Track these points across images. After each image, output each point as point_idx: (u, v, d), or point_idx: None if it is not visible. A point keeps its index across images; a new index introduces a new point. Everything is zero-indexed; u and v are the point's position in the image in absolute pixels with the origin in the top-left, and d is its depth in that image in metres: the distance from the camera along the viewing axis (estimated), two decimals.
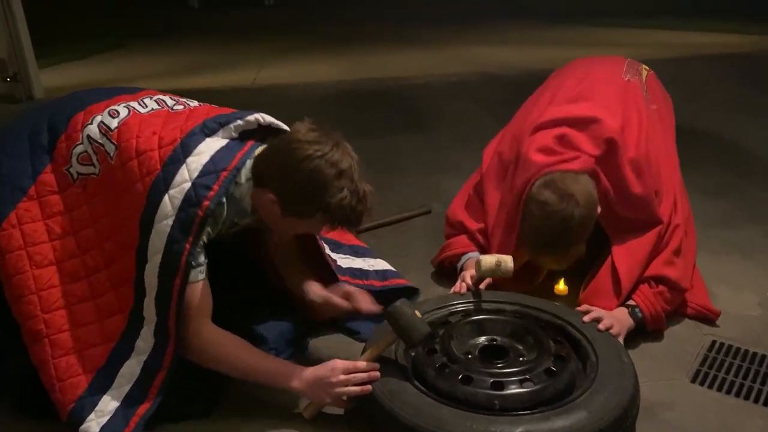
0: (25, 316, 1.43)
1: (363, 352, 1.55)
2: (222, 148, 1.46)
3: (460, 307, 1.78)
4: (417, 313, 1.49)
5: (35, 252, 1.45)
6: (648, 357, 1.76)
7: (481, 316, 1.71)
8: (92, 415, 1.39)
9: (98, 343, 1.44)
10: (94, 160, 1.49)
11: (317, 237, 1.78)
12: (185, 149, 1.43)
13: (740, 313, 1.96)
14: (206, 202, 1.39)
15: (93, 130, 1.49)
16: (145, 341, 1.44)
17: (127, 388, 1.42)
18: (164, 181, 1.40)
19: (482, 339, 1.66)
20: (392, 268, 2.01)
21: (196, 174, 1.40)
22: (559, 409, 1.36)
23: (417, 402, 1.39)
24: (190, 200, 1.39)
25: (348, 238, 2.07)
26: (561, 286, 2.08)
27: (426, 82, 5.13)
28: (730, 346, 1.81)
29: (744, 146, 3.49)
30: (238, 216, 1.51)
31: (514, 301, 1.78)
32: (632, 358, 1.54)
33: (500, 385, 1.42)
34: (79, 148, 1.49)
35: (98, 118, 1.51)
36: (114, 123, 1.49)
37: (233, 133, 1.52)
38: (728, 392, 1.64)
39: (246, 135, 1.54)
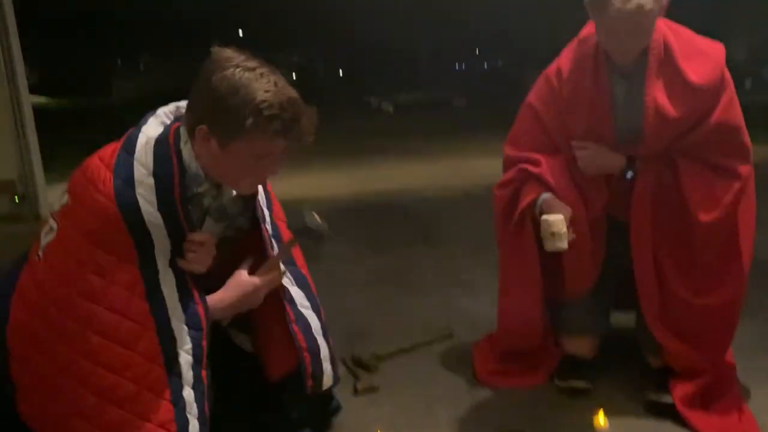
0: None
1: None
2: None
3: None
4: (315, 214, 1.59)
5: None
6: None
7: None
8: None
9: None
10: (52, 224, 1.46)
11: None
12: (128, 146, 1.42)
13: None
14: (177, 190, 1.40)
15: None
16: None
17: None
18: (126, 182, 1.38)
19: None
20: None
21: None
22: None
23: None
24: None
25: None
26: (601, 422, 1.95)
27: (432, 195, 5.18)
28: None
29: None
30: (195, 184, 1.46)
31: None
32: None
33: None
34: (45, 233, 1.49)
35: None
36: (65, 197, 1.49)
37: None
38: None
39: None
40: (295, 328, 1.64)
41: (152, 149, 1.41)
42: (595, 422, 1.95)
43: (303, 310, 1.69)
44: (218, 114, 1.35)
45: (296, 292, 1.70)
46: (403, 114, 19.87)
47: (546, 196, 1.95)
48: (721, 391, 1.98)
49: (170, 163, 1.40)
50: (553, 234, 1.78)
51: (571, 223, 1.85)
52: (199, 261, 1.48)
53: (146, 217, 1.37)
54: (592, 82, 1.91)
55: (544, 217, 1.82)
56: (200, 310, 1.45)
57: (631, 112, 1.90)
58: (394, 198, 5.13)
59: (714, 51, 1.88)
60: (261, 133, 1.35)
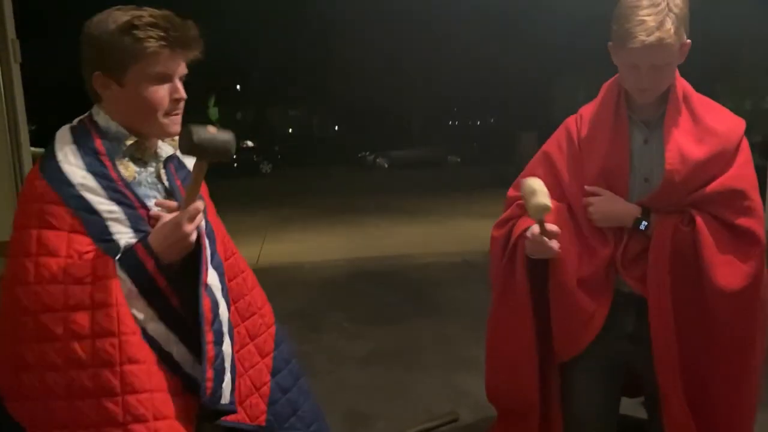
0: None
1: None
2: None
3: None
4: (210, 128, 1.39)
5: None
6: None
7: None
8: None
9: None
10: None
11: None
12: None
13: None
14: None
15: None
16: None
17: None
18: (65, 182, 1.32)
19: None
20: None
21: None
22: None
23: None
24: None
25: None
26: None
27: (431, 261, 5.17)
28: None
29: None
30: (121, 140, 1.42)
31: None
32: None
33: None
34: None
35: None
36: None
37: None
38: None
39: None
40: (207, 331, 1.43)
41: (67, 129, 1.42)
42: None
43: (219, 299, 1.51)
44: (101, 52, 1.36)
45: (212, 278, 1.52)
46: (398, 170, 20.09)
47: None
48: None
49: (85, 128, 1.41)
50: (534, 192, 1.73)
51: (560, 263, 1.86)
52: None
53: (73, 179, 1.34)
54: (612, 123, 1.91)
55: (524, 180, 1.79)
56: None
57: (647, 161, 1.90)
58: (392, 264, 5.11)
59: (734, 116, 1.92)
60: (143, 46, 1.35)
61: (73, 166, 1.35)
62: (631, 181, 1.92)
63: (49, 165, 1.35)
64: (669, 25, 1.74)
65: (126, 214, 1.36)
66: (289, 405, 1.61)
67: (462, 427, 2.53)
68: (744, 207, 1.84)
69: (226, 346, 1.47)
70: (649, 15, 1.74)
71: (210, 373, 1.37)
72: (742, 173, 1.86)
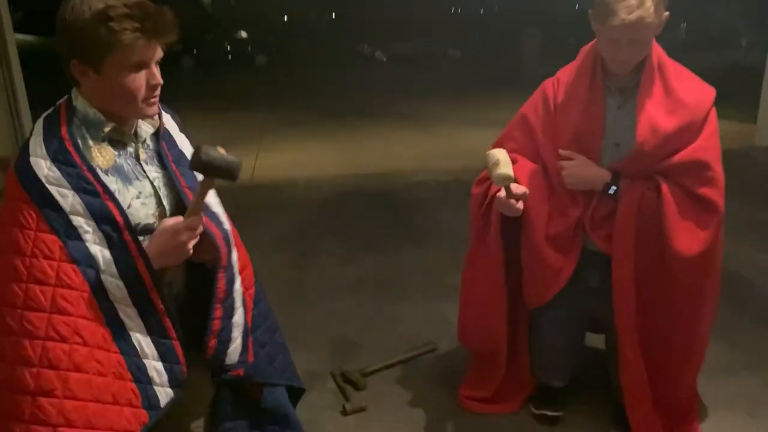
0: None
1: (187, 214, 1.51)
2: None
3: None
4: (221, 149, 1.46)
5: None
6: None
7: None
8: None
9: None
10: None
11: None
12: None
13: None
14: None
15: None
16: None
17: None
18: (32, 178, 1.37)
19: None
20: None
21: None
22: None
23: None
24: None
25: None
26: None
27: (423, 180, 5.23)
28: None
29: (747, 277, 3.44)
30: (98, 127, 1.47)
31: None
32: None
33: None
34: None
35: None
36: None
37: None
38: None
39: None
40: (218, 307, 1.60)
41: (42, 119, 1.46)
42: None
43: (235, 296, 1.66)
44: (77, 41, 1.38)
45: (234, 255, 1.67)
46: (396, 65, 19.65)
47: None
48: (680, 427, 2.14)
49: (57, 116, 1.44)
50: (497, 163, 1.84)
51: (529, 222, 2.01)
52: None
53: (39, 173, 1.38)
54: (587, 89, 1.99)
55: (488, 152, 1.90)
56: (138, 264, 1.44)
57: (620, 127, 1.98)
58: (383, 183, 5.19)
59: (705, 86, 1.98)
60: (119, 38, 1.36)
61: (39, 157, 1.39)
62: (603, 145, 2.01)
63: (21, 160, 1.40)
64: (649, 3, 1.77)
65: (88, 203, 1.40)
66: (267, 357, 1.77)
67: (441, 355, 2.75)
68: (707, 177, 1.94)
69: (238, 317, 1.65)
70: None
71: (213, 342, 1.58)
72: (707, 145, 1.94)
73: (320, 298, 3.30)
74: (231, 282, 1.63)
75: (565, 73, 2.10)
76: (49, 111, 1.48)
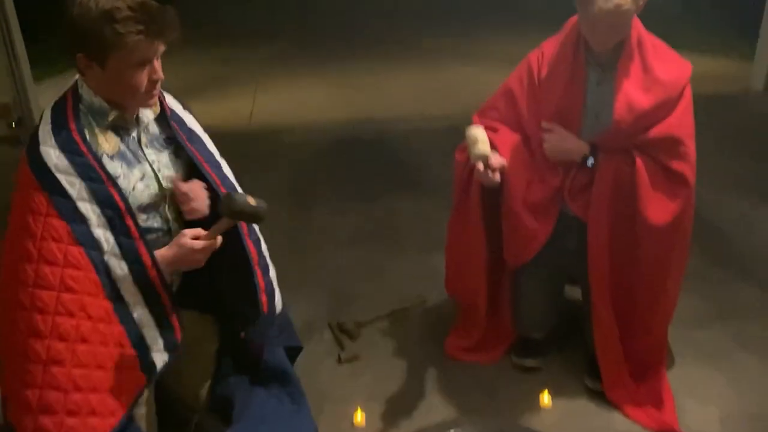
0: None
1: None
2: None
3: None
4: (250, 199, 1.60)
5: None
6: None
7: None
8: None
9: None
10: None
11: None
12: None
13: (702, 430, 2.20)
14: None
15: None
16: None
17: None
18: (33, 145, 1.51)
19: None
20: None
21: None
22: None
23: None
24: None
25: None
26: (545, 401, 2.32)
27: (418, 127, 5.25)
28: None
29: (726, 229, 3.50)
30: (103, 115, 1.59)
31: None
32: None
33: None
34: None
35: None
36: None
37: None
38: None
39: None
40: (257, 270, 1.81)
41: (50, 108, 1.58)
42: (541, 401, 2.32)
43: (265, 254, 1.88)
44: (84, 38, 1.48)
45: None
46: None
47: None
48: (647, 375, 2.33)
49: (64, 105, 1.55)
50: (476, 140, 1.98)
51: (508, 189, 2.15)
52: (197, 207, 1.71)
53: (49, 162, 1.49)
54: (570, 64, 2.09)
55: (467, 129, 2.02)
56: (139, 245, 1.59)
57: (600, 101, 2.10)
58: (380, 129, 5.18)
59: (682, 63, 2.08)
60: (123, 40, 1.45)
61: (48, 146, 1.51)
62: (583, 119, 2.12)
63: (32, 149, 1.52)
64: None
65: (93, 190, 1.52)
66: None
67: (430, 308, 2.92)
68: (679, 152, 2.06)
69: (272, 271, 1.87)
70: None
71: (264, 298, 1.80)
72: (681, 122, 2.04)
73: (317, 250, 3.44)
74: (258, 243, 1.83)
75: (550, 46, 2.17)
76: (57, 99, 1.59)
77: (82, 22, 1.46)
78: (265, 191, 4.03)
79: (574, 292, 2.57)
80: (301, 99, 6.24)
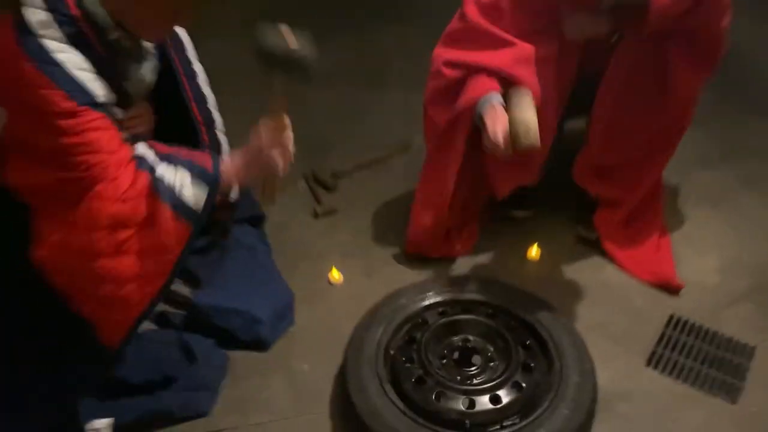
0: None
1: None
2: None
3: (435, 299, 1.90)
4: (283, 29, 1.34)
5: None
6: (608, 337, 1.90)
7: (454, 317, 1.83)
8: None
9: None
10: None
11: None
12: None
13: (700, 281, 2.07)
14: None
15: None
16: None
17: None
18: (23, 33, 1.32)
19: (456, 338, 1.80)
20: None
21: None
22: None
23: (396, 423, 1.57)
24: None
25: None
26: (533, 253, 2.18)
27: None
28: (686, 322, 1.95)
29: (744, 57, 3.05)
30: (103, 30, 1.46)
31: (486, 299, 1.88)
32: (593, 338, 1.78)
33: (472, 403, 1.59)
34: None
35: None
36: None
37: None
38: (678, 377, 1.81)
39: None
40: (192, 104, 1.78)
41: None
42: (528, 253, 2.18)
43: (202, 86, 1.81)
44: None
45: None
46: None
47: (494, 99, 1.83)
48: (643, 224, 2.17)
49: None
50: (528, 130, 1.68)
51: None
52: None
53: (57, 57, 1.32)
54: None
55: (513, 115, 1.73)
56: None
57: None
58: None
59: None
60: None
61: (54, 42, 1.31)
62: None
63: (29, 41, 1.29)
64: None
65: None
66: None
67: (414, 155, 2.65)
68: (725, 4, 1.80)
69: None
70: None
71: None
72: None
73: (292, 93, 3.13)
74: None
75: None
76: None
77: None
78: (233, 20, 3.71)
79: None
80: None
